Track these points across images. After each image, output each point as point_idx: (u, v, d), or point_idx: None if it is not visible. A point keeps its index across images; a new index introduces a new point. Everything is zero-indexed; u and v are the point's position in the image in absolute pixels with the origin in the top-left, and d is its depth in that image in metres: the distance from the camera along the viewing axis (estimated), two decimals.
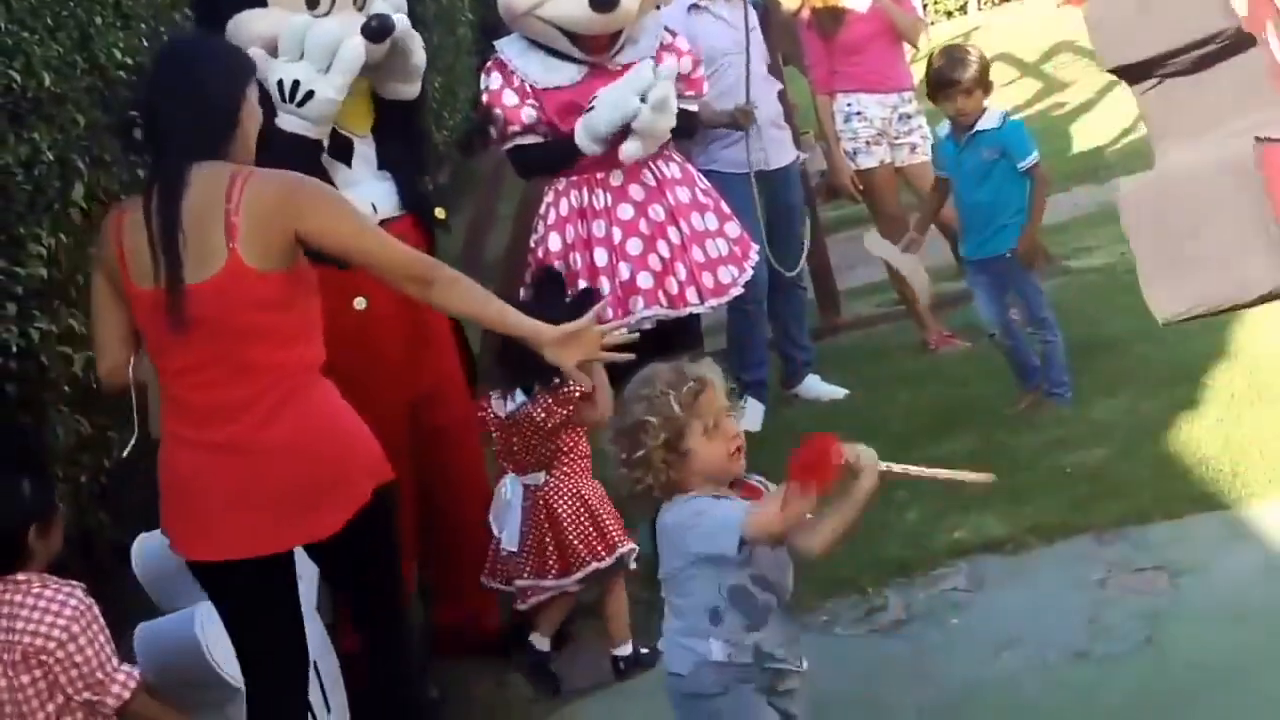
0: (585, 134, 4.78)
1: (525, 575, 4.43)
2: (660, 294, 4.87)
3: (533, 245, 5.05)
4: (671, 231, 4.91)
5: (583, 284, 4.79)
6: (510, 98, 4.88)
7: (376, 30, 4.26)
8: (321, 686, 4.09)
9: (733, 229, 5.14)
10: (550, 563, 4.39)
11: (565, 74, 4.89)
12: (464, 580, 4.73)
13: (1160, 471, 4.77)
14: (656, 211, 4.90)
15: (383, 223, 4.39)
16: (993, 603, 4.28)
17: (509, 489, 4.49)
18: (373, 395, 4.36)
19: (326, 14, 4.33)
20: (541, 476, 4.44)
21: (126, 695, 3.18)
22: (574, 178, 4.92)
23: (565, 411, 4.30)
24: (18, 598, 3.12)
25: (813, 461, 2.75)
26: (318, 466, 3.25)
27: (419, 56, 4.48)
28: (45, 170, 4.33)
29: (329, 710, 4.11)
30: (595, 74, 4.89)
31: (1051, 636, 3.99)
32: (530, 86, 4.88)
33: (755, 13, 6.06)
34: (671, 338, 4.67)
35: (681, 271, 4.90)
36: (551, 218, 4.95)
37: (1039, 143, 5.62)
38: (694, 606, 2.99)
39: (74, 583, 3.20)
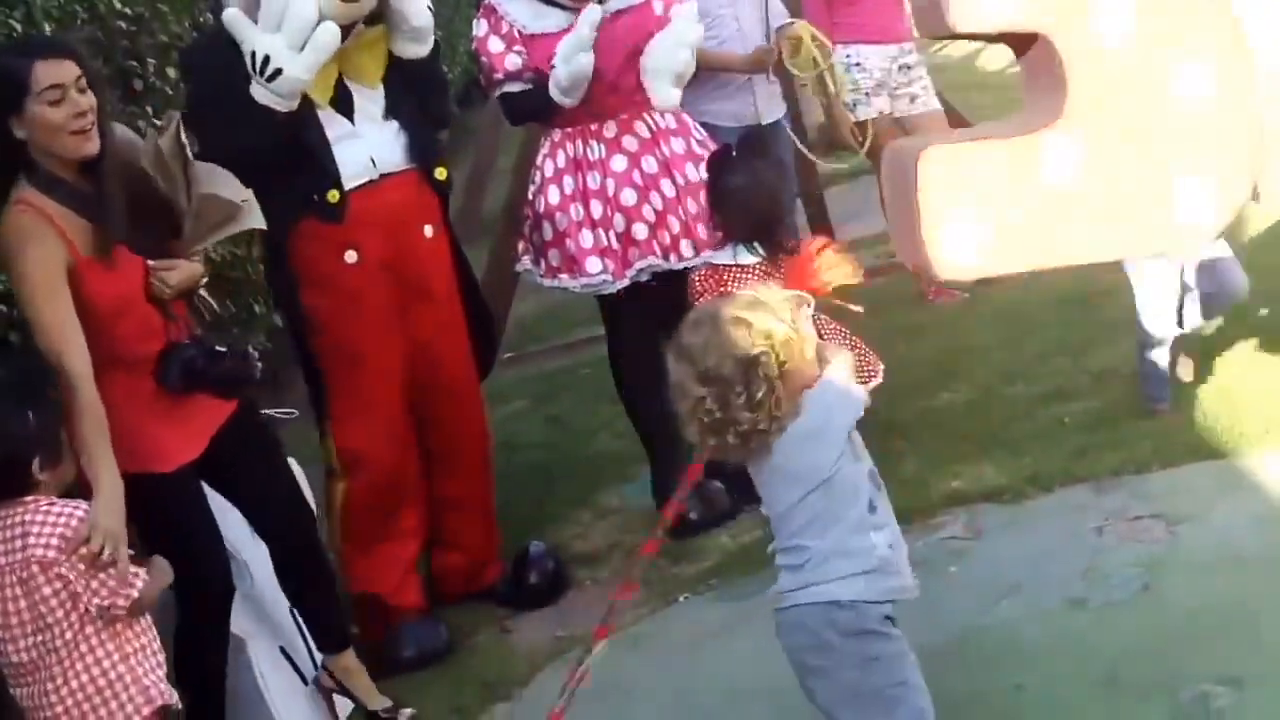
0: (554, 87, 4.77)
1: None
2: (655, 245, 4.85)
3: (530, 198, 5.04)
4: (665, 183, 4.88)
5: (588, 234, 4.80)
6: (495, 44, 4.85)
7: None
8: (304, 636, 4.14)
9: None
10: None
11: (554, 19, 4.84)
12: (465, 527, 4.76)
13: (1158, 421, 4.79)
14: (649, 163, 4.88)
15: (383, 177, 4.38)
16: (991, 551, 4.31)
17: None
18: (364, 347, 4.40)
19: None
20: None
21: (135, 594, 3.19)
22: (568, 129, 4.90)
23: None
24: (25, 516, 3.14)
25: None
26: None
27: (419, 19, 4.37)
28: None
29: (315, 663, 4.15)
30: None
31: (1049, 585, 4.02)
32: (519, 32, 4.84)
33: None
34: (668, 290, 4.68)
35: (675, 224, 4.88)
36: (549, 170, 4.93)
37: None
38: (849, 506, 2.82)
39: (78, 501, 3.21)
